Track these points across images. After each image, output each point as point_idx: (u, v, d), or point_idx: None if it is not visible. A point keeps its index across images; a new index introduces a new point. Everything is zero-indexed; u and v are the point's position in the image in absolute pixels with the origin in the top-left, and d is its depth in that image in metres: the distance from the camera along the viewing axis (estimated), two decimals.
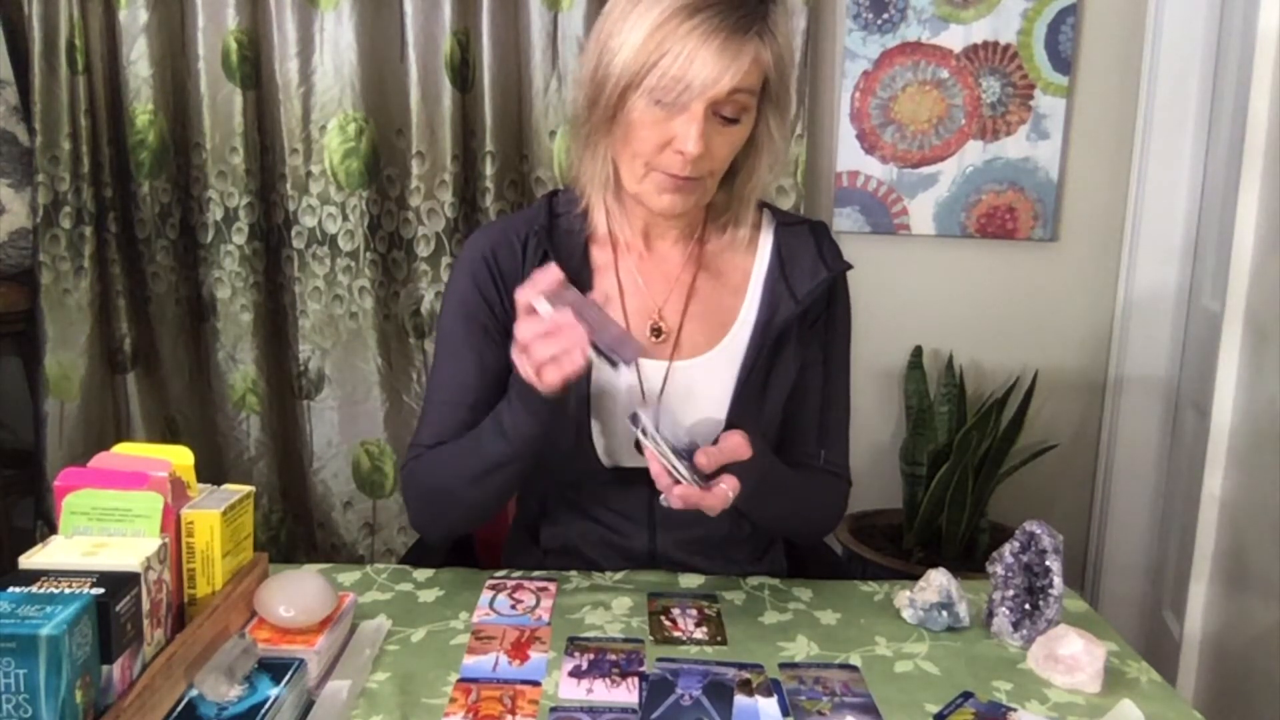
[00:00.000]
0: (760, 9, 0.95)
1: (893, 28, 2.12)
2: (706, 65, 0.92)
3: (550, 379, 0.89)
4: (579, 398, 1.05)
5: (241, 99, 2.02)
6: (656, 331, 1.09)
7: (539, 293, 0.89)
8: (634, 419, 0.92)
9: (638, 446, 1.03)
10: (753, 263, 1.13)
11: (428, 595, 1.05)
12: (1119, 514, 2.24)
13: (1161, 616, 2.08)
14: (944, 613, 1.00)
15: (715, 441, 0.94)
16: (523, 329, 0.89)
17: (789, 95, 1.04)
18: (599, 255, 1.12)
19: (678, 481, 0.90)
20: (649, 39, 0.93)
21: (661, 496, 0.91)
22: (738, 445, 0.94)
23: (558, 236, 1.10)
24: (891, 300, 2.21)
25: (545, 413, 0.96)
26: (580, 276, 1.08)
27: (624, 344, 0.91)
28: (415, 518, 1.13)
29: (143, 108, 2.02)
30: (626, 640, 0.95)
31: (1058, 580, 0.97)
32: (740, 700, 0.85)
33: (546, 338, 0.88)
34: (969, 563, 1.98)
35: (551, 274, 0.90)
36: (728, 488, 0.91)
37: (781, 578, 1.12)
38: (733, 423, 1.04)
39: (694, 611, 1.02)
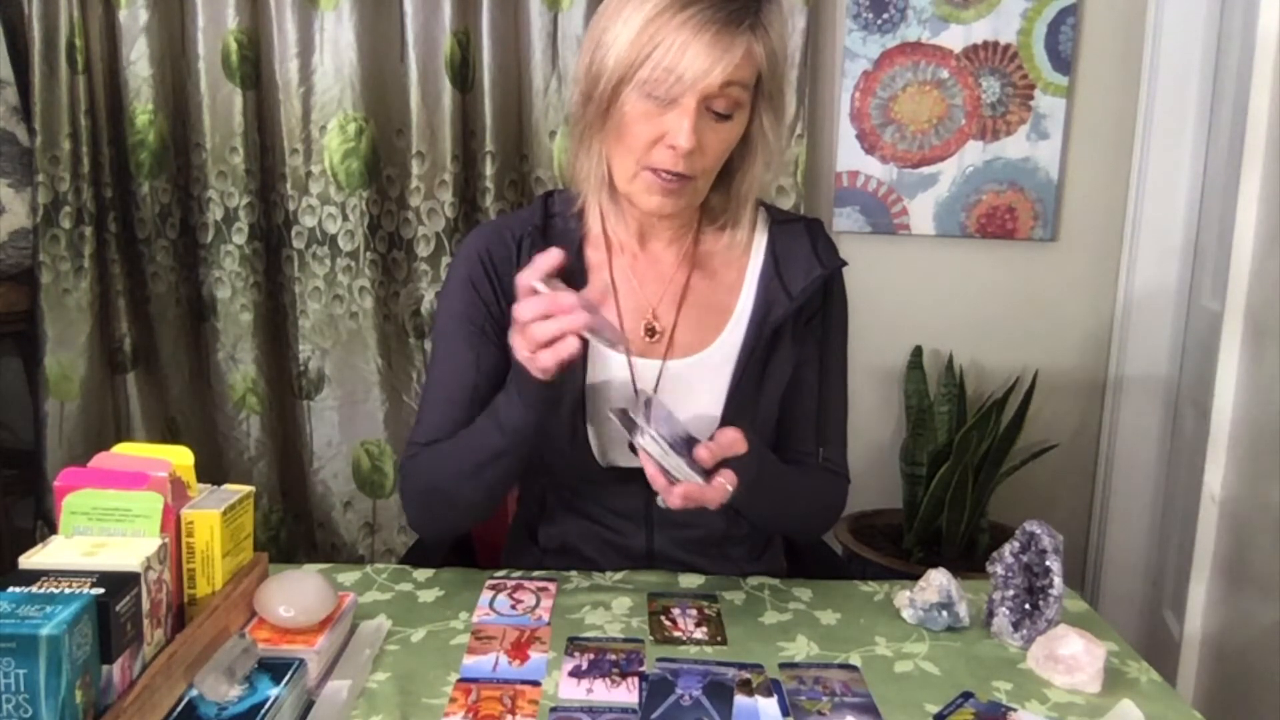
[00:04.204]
0: (754, 4, 0.96)
1: (893, 28, 2.12)
2: (699, 57, 0.92)
3: (545, 363, 0.88)
4: (573, 398, 1.05)
5: (241, 99, 2.02)
6: (651, 331, 1.09)
7: (540, 274, 0.89)
8: (623, 418, 0.90)
9: (631, 447, 1.03)
10: (747, 261, 1.13)
11: (428, 595, 1.05)
12: (1119, 514, 2.24)
13: (1161, 616, 2.08)
14: (944, 613, 1.00)
15: (711, 438, 0.94)
16: (523, 309, 0.88)
17: (783, 94, 1.04)
18: (593, 255, 1.12)
19: (673, 481, 0.89)
20: (641, 32, 0.93)
21: (659, 498, 0.90)
22: (735, 440, 0.93)
23: (552, 236, 1.10)
24: (891, 300, 2.21)
25: (540, 403, 0.96)
26: (575, 277, 1.08)
27: (617, 338, 0.92)
28: (413, 515, 1.13)
29: (143, 108, 2.02)
30: (626, 640, 0.95)
31: (1058, 580, 0.96)
32: (740, 700, 0.85)
33: (545, 319, 0.87)
34: (969, 563, 1.98)
35: (553, 256, 0.90)
36: (726, 482, 0.91)
37: (781, 577, 1.12)
38: (728, 421, 1.04)
39: (694, 611, 1.02)
